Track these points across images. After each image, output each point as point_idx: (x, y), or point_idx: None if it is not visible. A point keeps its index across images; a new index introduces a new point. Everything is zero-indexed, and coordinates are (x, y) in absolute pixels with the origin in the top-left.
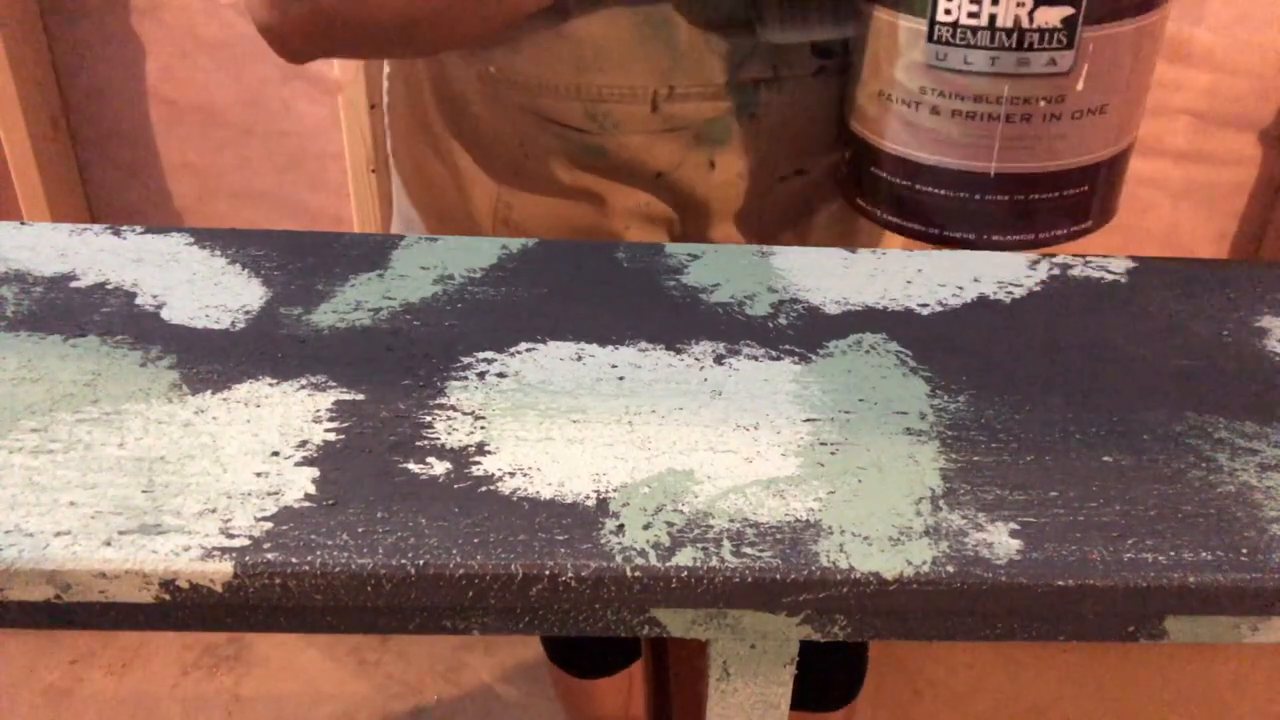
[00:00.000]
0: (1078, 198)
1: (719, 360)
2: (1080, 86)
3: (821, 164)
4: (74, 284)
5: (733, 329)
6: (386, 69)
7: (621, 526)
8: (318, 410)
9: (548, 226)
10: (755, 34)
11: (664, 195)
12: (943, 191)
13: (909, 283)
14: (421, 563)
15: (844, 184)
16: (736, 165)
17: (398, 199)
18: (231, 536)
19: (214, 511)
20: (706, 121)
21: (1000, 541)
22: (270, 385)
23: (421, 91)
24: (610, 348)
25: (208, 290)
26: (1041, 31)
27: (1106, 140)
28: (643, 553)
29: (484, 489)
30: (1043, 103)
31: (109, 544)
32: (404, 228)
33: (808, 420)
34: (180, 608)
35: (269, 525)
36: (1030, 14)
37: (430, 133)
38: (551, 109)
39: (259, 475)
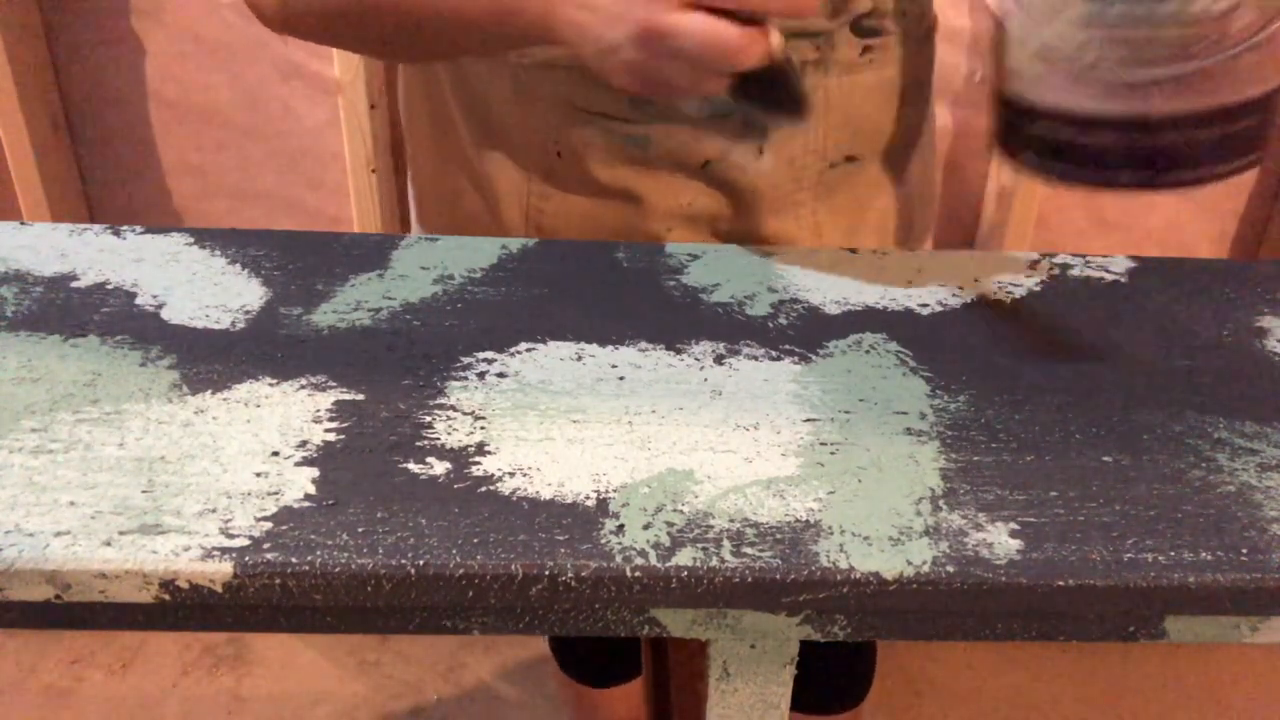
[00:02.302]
0: (1243, 132)
1: (719, 360)
2: (1241, 24)
3: (874, 152)
4: (74, 284)
5: (733, 329)
6: (401, 79)
7: (621, 527)
8: (318, 410)
9: (582, 231)
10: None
11: (711, 188)
12: (1109, 140)
13: (909, 283)
14: (421, 563)
15: (1002, 150)
16: (786, 151)
17: (416, 216)
18: (231, 536)
19: (214, 511)
20: None
21: (1000, 541)
22: (270, 385)
23: (444, 100)
24: (610, 348)
25: (208, 290)
26: None
27: (1267, 75)
28: (643, 553)
29: (484, 489)
30: (1204, 43)
31: (109, 544)
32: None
33: (808, 420)
34: (180, 608)
35: (269, 525)
36: None
37: (455, 142)
38: (591, 98)
39: (259, 475)
